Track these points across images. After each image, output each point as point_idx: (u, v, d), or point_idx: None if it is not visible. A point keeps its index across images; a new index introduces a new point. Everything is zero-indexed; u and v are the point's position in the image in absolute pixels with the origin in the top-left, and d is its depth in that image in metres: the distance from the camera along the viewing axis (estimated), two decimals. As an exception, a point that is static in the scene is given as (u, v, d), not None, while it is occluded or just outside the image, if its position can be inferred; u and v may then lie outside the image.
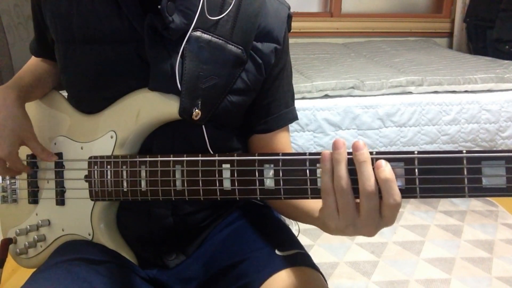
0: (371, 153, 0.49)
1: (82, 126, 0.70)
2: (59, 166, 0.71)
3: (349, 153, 0.49)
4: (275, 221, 0.77)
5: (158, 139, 0.67)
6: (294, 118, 0.76)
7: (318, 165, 0.52)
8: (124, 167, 0.63)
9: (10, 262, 0.78)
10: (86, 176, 0.67)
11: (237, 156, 0.56)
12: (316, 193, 0.52)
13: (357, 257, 1.63)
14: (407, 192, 0.49)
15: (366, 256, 1.63)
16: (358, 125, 1.88)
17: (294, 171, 0.53)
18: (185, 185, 0.59)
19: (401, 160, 0.49)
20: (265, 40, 0.67)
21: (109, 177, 0.64)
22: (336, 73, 2.08)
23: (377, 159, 0.48)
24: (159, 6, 0.59)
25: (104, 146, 0.67)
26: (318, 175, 0.52)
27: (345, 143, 0.49)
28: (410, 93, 1.96)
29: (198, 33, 0.63)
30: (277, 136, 0.74)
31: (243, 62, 0.65)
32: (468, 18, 2.96)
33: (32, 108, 0.74)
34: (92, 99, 0.68)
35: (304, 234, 1.77)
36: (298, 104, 0.76)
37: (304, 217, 0.65)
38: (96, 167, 0.66)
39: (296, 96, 0.79)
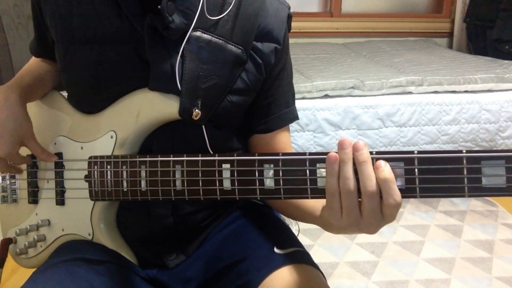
0: (371, 153, 0.49)
1: (82, 126, 0.70)
2: (59, 166, 0.71)
3: None
4: (275, 220, 0.77)
5: (158, 139, 0.67)
6: (295, 118, 0.76)
7: (318, 165, 0.52)
8: (124, 167, 0.63)
9: (10, 262, 0.78)
10: (86, 176, 0.67)
11: (237, 156, 0.56)
12: (316, 193, 0.52)
13: (357, 257, 1.63)
14: (407, 192, 0.49)
15: (366, 256, 1.63)
16: (358, 125, 1.88)
17: (294, 171, 0.53)
18: (185, 185, 0.59)
19: (401, 160, 0.49)
20: (265, 40, 0.67)
21: (109, 177, 0.64)
22: (336, 73, 2.08)
23: (377, 159, 0.48)
24: (159, 6, 0.59)
25: (104, 146, 0.67)
26: (318, 175, 0.52)
27: (351, 143, 0.49)
28: (410, 93, 1.96)
29: (198, 33, 0.63)
30: (277, 136, 0.74)
31: (243, 62, 0.65)
32: (468, 18, 2.96)
33: (32, 108, 0.74)
34: (92, 99, 0.68)
35: (304, 234, 1.77)
36: (298, 104, 0.76)
37: (305, 216, 0.65)
38: (96, 167, 0.66)
39: (296, 96, 0.79)
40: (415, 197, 0.48)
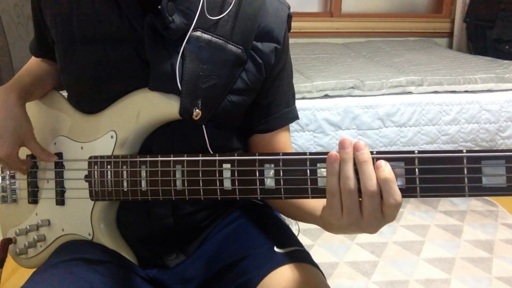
0: (371, 152, 0.49)
1: (82, 126, 0.70)
2: (59, 166, 0.71)
3: None
4: (275, 220, 0.77)
5: (158, 139, 0.67)
6: (295, 117, 0.76)
7: (318, 165, 0.52)
8: (124, 167, 0.63)
9: (10, 262, 0.78)
10: (86, 176, 0.67)
11: (237, 156, 0.56)
12: (316, 193, 0.52)
13: (357, 257, 1.63)
14: (408, 192, 0.49)
15: (366, 256, 1.63)
16: (358, 125, 1.88)
17: (295, 170, 0.53)
18: (186, 185, 0.59)
19: (402, 159, 0.49)
20: (265, 40, 0.67)
21: (109, 177, 0.64)
22: (336, 73, 2.08)
23: (378, 158, 0.48)
24: (159, 6, 0.59)
25: (104, 146, 0.67)
26: (318, 175, 0.52)
27: (351, 143, 0.49)
28: (410, 93, 1.96)
29: (198, 33, 0.63)
30: (277, 136, 0.74)
31: (243, 62, 0.65)
32: (468, 18, 2.96)
33: (32, 108, 0.74)
34: (92, 99, 0.68)
35: (304, 234, 1.77)
36: (298, 104, 0.76)
37: (305, 216, 0.65)
38: (96, 167, 0.66)
39: (296, 96, 0.79)
40: (415, 196, 0.49)
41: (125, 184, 0.63)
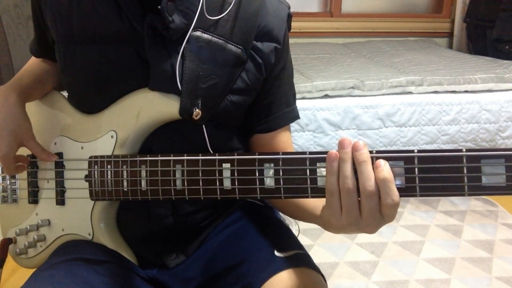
0: (371, 152, 0.49)
1: (83, 126, 0.70)
2: (59, 166, 0.71)
3: None
4: (275, 222, 0.77)
5: (158, 139, 0.67)
6: (296, 117, 0.76)
7: (318, 164, 0.52)
8: (124, 166, 0.63)
9: (10, 262, 0.78)
10: (86, 176, 0.67)
11: (237, 156, 0.56)
12: (316, 192, 0.52)
13: (357, 257, 1.63)
14: (407, 191, 0.49)
15: (366, 256, 1.63)
16: (358, 125, 1.88)
17: (294, 170, 0.53)
18: (185, 184, 0.59)
19: (401, 159, 0.49)
20: (265, 40, 0.67)
21: (109, 176, 0.64)
22: (336, 73, 2.08)
23: (377, 158, 0.48)
24: (159, 6, 0.59)
25: (104, 146, 0.67)
26: (318, 174, 0.52)
27: (351, 142, 0.49)
28: (410, 93, 1.96)
29: (198, 33, 0.63)
30: (278, 136, 0.74)
31: (243, 62, 0.65)
32: (468, 18, 2.96)
33: (32, 108, 0.74)
34: (92, 99, 0.68)
35: (304, 234, 1.77)
36: (298, 104, 0.76)
37: (305, 215, 0.65)
38: (96, 167, 0.66)
39: (296, 96, 0.79)
40: (415, 196, 0.49)
41: (125, 183, 0.63)
